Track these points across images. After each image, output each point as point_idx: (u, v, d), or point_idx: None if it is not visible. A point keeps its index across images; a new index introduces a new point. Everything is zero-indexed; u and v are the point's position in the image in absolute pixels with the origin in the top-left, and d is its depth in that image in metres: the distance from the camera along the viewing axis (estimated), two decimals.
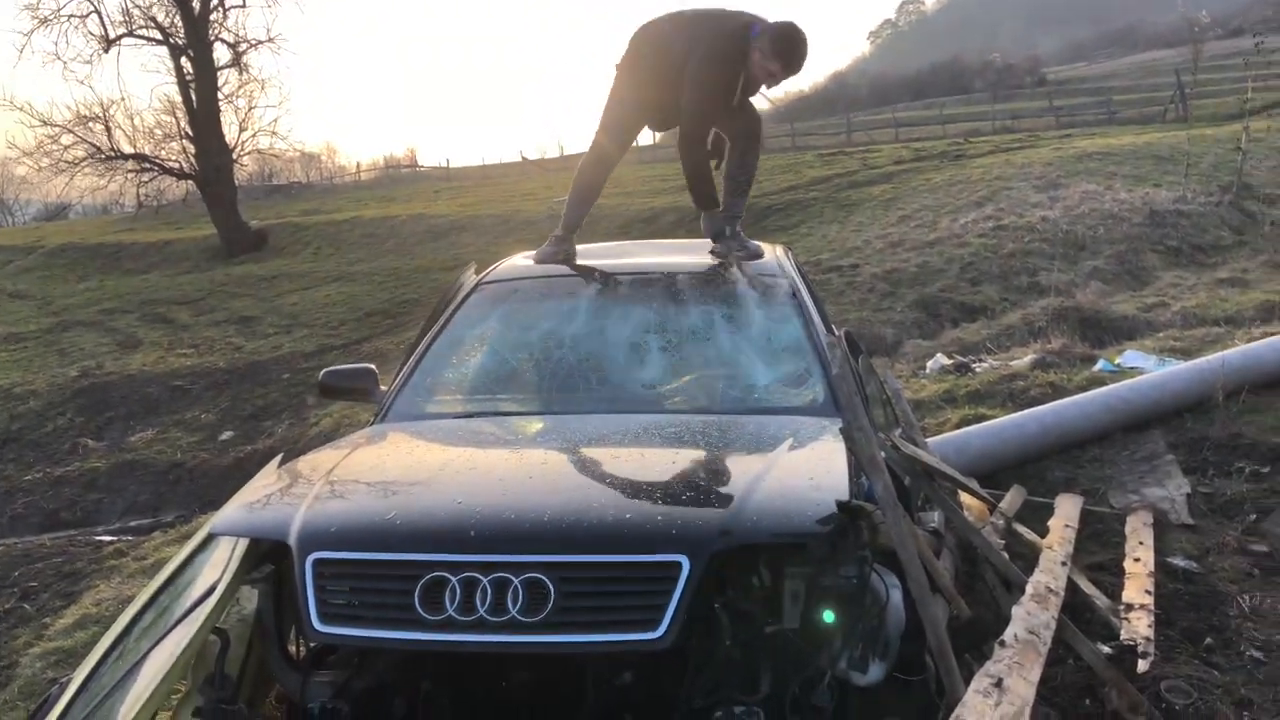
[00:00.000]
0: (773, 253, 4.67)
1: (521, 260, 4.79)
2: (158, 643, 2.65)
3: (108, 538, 8.02)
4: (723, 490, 2.67)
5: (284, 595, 2.83)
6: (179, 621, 2.64)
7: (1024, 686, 2.46)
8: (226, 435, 11.78)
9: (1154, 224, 14.34)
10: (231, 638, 2.67)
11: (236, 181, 32.70)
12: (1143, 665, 3.30)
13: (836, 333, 4.08)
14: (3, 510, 10.20)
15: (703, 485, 2.80)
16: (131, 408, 13.53)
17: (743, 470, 2.84)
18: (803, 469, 2.85)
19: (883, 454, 2.86)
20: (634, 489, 2.77)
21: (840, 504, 2.49)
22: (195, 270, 27.09)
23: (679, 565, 2.34)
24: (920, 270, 13.28)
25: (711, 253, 4.61)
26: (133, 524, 9.22)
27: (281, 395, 13.00)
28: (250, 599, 2.89)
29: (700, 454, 3.15)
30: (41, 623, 5.70)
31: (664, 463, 3.06)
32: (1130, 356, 7.39)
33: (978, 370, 7.71)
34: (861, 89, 78.06)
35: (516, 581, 2.36)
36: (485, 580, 2.37)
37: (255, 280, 23.03)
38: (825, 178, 22.89)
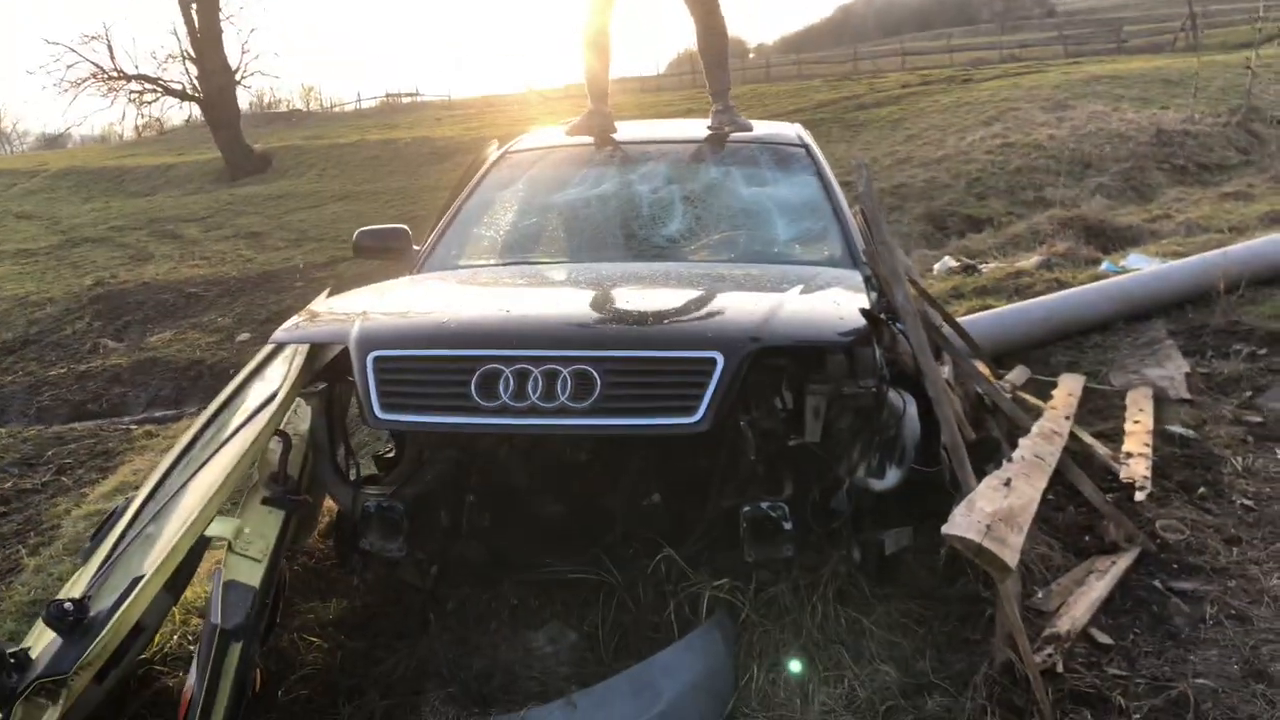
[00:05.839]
0: (793, 128, 4.80)
1: (544, 132, 4.91)
2: (221, 447, 2.83)
3: (135, 426, 8.18)
4: (752, 305, 2.86)
5: (335, 413, 3.03)
6: (241, 428, 2.82)
7: (1031, 489, 2.63)
8: (244, 337, 11.91)
9: (1160, 143, 14.38)
10: (293, 442, 2.85)
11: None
12: (1139, 496, 3.48)
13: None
14: (29, 402, 10.35)
15: (734, 301, 3.01)
16: (148, 312, 13.66)
17: (769, 293, 3.02)
18: (826, 293, 3.03)
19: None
20: (672, 301, 3.02)
21: (862, 311, 2.66)
22: (200, 191, 26.98)
23: (714, 361, 2.52)
24: (927, 185, 13.37)
25: (709, 126, 4.71)
26: (158, 415, 9.38)
27: (296, 301, 13.04)
28: (305, 417, 3.07)
29: (729, 284, 3.33)
30: (80, 492, 5.87)
31: (697, 287, 3.26)
32: (1134, 259, 7.46)
33: (984, 270, 7.82)
34: (869, 20, 77.12)
35: (565, 372, 2.54)
36: (536, 371, 2.55)
37: (261, 199, 22.98)
38: (832, 101, 22.81)
